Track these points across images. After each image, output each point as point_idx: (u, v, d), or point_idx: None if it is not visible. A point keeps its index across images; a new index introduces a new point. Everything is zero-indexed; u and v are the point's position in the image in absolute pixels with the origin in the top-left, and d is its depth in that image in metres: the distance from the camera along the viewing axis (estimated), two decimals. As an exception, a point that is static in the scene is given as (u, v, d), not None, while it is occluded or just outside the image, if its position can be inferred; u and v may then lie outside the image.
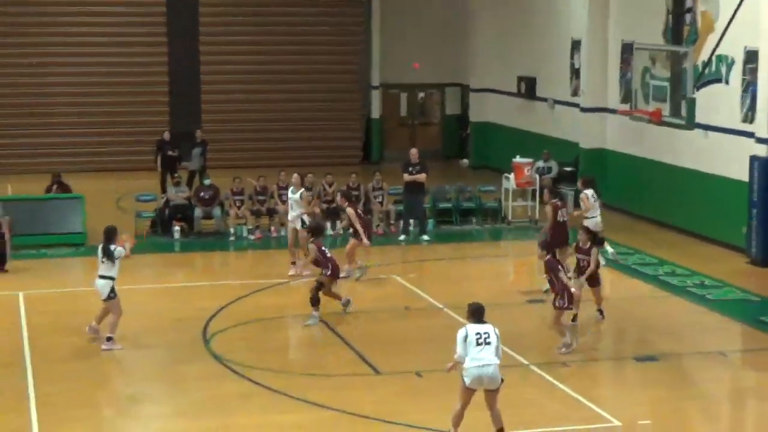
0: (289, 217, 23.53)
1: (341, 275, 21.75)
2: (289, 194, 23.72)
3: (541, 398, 16.07)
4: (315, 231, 20.49)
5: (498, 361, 13.82)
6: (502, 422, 14.05)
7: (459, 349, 13.86)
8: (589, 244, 19.39)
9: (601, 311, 19.87)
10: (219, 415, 15.37)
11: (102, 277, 18.26)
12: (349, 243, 22.86)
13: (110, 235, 18.33)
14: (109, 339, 18.27)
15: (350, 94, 38.97)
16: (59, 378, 16.93)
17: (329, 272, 19.81)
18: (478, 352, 13.72)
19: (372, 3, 38.63)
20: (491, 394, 13.94)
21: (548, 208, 22.23)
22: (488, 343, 13.76)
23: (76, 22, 36.83)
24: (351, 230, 22.85)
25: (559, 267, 17.99)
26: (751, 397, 16.79)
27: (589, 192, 22.93)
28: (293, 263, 23.17)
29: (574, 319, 19.08)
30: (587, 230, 20.00)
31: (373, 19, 38.67)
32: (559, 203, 22.24)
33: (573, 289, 17.83)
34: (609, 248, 21.67)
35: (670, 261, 24.56)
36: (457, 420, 14.09)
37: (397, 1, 38.78)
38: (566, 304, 17.78)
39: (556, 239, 21.50)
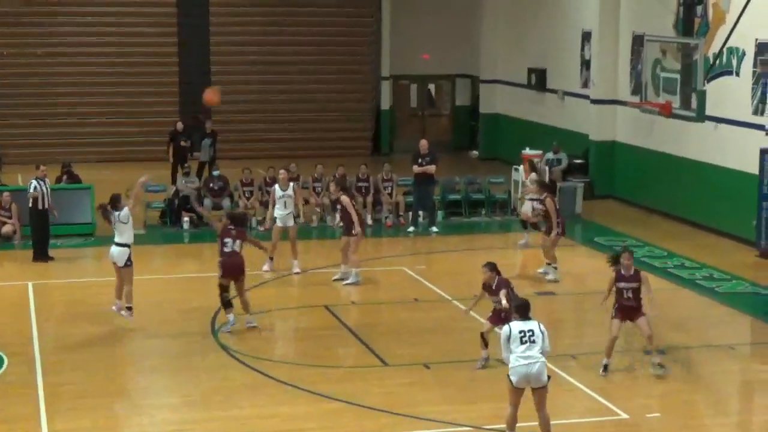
0: (278, 215, 22.71)
1: (336, 277, 21.83)
2: (278, 192, 22.79)
3: (549, 390, 16.03)
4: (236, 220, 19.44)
5: (544, 359, 13.52)
6: (550, 428, 13.72)
7: (504, 350, 13.56)
8: (633, 269, 16.68)
9: (655, 353, 16.89)
10: (227, 406, 15.38)
11: (117, 244, 18.57)
12: (343, 240, 22.02)
13: (115, 201, 18.74)
14: (129, 308, 18.68)
15: (360, 85, 38.97)
16: (67, 368, 16.97)
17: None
18: (524, 351, 13.40)
19: (382, -6, 38.64)
20: (539, 393, 13.60)
21: (549, 202, 22.25)
22: (533, 341, 13.43)
23: (88, 12, 36.89)
24: (343, 223, 22.32)
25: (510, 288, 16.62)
26: (760, 391, 16.75)
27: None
28: (271, 258, 22.60)
29: (604, 369, 16.73)
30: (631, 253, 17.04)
31: (384, 9, 38.64)
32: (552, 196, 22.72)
33: None
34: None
35: (679, 254, 24.53)
36: (512, 423, 13.73)
37: (408, -8, 38.81)
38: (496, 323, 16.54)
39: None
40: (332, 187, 22.79)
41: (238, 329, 18.76)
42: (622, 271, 16.57)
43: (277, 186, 22.98)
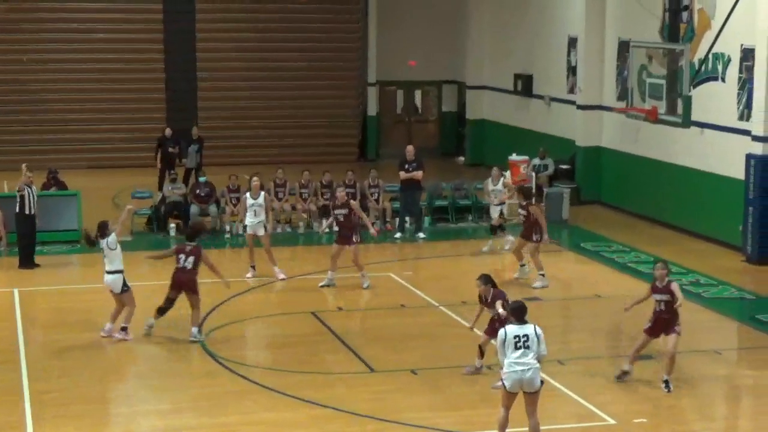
0: (248, 223, 22.72)
1: (323, 284, 21.81)
2: (248, 200, 22.67)
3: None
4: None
5: (538, 365, 13.55)
6: None
7: (500, 354, 13.62)
8: (667, 280, 16.55)
9: (666, 382, 16.37)
10: (214, 413, 15.36)
11: (109, 272, 18.41)
12: (335, 248, 21.93)
13: (102, 229, 18.53)
14: (123, 329, 18.51)
15: (347, 91, 38.96)
16: (54, 375, 16.93)
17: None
18: (518, 356, 13.45)
19: (369, 0, 38.61)
20: (530, 398, 13.66)
21: (534, 209, 22.23)
22: (527, 347, 13.46)
23: (74, 19, 36.84)
24: (340, 230, 22.09)
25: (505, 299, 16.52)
26: (746, 395, 16.79)
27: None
28: (253, 267, 22.78)
29: (620, 376, 16.63)
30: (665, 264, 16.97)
31: (370, 16, 38.65)
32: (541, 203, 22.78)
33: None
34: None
35: (665, 259, 24.48)
36: (502, 425, 13.78)
37: (394, -1, 38.84)
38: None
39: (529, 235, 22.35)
40: (340, 192, 22.33)
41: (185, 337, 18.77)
42: (657, 283, 16.51)
43: (248, 194, 22.90)
